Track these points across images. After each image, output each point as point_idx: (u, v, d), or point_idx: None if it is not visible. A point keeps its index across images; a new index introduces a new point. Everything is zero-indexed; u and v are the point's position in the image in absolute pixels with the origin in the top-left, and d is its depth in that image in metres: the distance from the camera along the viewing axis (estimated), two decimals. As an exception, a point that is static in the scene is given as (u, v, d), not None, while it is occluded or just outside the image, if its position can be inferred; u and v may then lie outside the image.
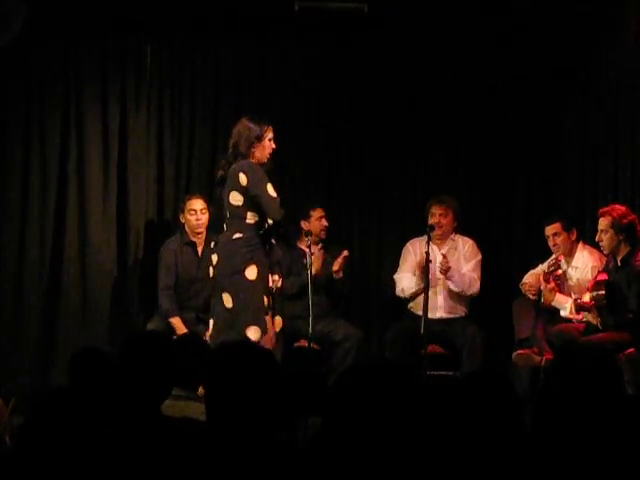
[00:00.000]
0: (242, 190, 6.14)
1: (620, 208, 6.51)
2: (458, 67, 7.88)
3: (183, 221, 7.39)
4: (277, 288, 6.37)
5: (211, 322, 6.28)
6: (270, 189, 6.13)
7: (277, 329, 6.42)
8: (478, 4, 7.43)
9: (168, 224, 7.79)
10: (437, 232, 7.31)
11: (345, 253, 7.34)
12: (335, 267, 7.30)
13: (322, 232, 7.44)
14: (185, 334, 6.89)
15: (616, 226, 6.41)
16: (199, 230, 7.34)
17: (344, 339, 7.20)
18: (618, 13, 7.19)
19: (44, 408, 2.59)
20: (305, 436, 3.97)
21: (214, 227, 7.31)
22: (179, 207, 7.56)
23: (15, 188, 7.62)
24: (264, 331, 6.14)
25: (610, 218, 6.43)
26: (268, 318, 6.26)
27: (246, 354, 3.18)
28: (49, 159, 7.65)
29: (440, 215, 7.38)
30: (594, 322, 6.44)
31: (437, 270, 7.30)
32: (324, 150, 7.92)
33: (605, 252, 6.61)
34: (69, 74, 7.69)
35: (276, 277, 6.31)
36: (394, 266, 7.69)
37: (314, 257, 6.92)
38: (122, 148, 7.75)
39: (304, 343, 6.76)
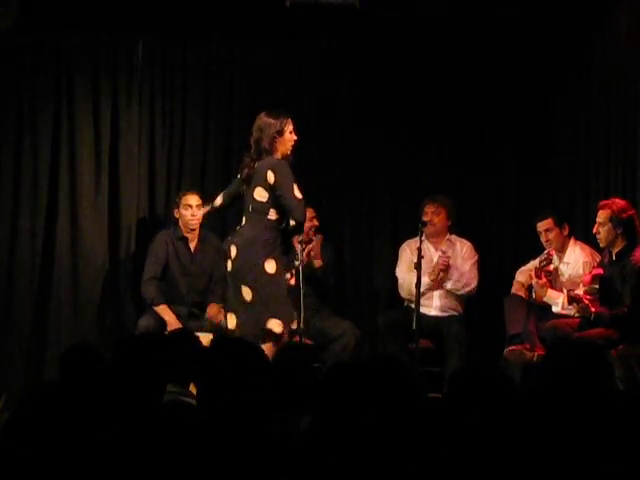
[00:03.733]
0: (268, 187, 6.20)
1: (620, 202, 6.48)
2: (449, 63, 7.88)
3: (177, 216, 7.37)
4: (290, 286, 6.38)
5: (232, 316, 6.30)
6: (296, 190, 6.18)
7: (294, 326, 6.41)
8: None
9: (160, 219, 7.78)
10: (429, 230, 7.30)
11: (318, 237, 7.32)
12: (312, 253, 7.24)
13: (311, 232, 7.43)
14: (177, 330, 6.90)
15: (615, 219, 6.39)
16: (193, 226, 7.33)
17: (341, 335, 7.19)
18: (609, 10, 7.21)
19: (30, 403, 2.59)
20: (298, 431, 3.97)
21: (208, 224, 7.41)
22: (171, 202, 7.57)
23: (6, 183, 7.59)
24: (288, 323, 6.20)
25: (609, 211, 6.41)
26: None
27: (236, 351, 3.18)
28: (40, 154, 7.63)
29: (432, 213, 7.39)
30: (586, 313, 6.41)
31: (435, 269, 7.32)
32: (314, 146, 7.89)
33: (601, 245, 6.58)
34: (61, 69, 7.67)
35: (288, 276, 6.33)
36: (385, 262, 7.70)
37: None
38: (114, 143, 7.74)
39: (296, 338, 6.75)
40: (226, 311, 6.49)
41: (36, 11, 7.34)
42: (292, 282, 6.38)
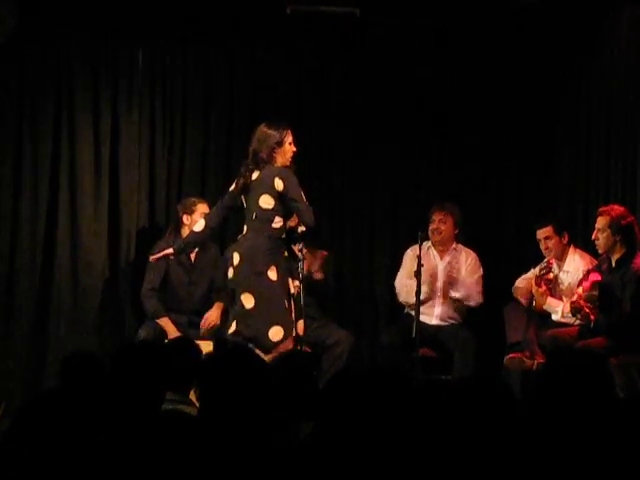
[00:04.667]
0: (275, 194, 6.19)
1: (619, 208, 6.45)
2: (449, 69, 7.89)
3: (187, 222, 7.28)
4: (298, 293, 6.36)
5: (234, 324, 6.31)
6: (303, 196, 6.18)
7: (300, 333, 6.42)
8: (470, 5, 7.44)
9: (159, 227, 7.78)
10: (435, 238, 7.32)
11: (323, 254, 7.34)
12: (313, 267, 7.28)
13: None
14: (177, 338, 6.91)
15: (614, 226, 6.36)
16: None
17: (336, 343, 7.19)
18: (611, 13, 7.21)
19: (32, 410, 2.58)
20: (297, 439, 3.96)
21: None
22: (171, 208, 7.59)
23: (6, 191, 7.59)
24: (288, 331, 6.18)
25: (608, 218, 6.37)
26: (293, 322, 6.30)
27: (237, 359, 3.18)
28: (41, 163, 7.63)
29: (439, 221, 7.39)
30: (586, 322, 6.38)
31: (439, 280, 7.34)
32: (315, 152, 7.91)
33: (600, 251, 6.54)
34: (61, 78, 7.67)
35: (297, 283, 6.32)
36: (386, 272, 7.70)
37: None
38: (114, 151, 7.73)
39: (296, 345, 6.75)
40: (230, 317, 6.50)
41: (37, 18, 7.36)
42: (299, 289, 6.38)
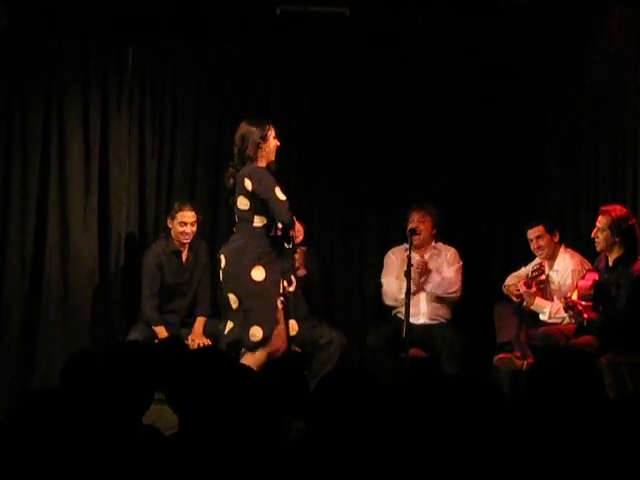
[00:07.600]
0: (248, 195, 6.17)
1: (622, 210, 6.39)
2: (440, 72, 7.89)
3: (170, 226, 7.35)
4: (289, 293, 6.34)
5: (229, 323, 6.31)
6: (278, 192, 6.14)
7: (292, 333, 6.41)
8: (461, 7, 7.44)
9: (150, 229, 7.78)
10: (415, 238, 7.33)
11: (302, 249, 7.34)
12: (296, 264, 7.26)
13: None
14: (168, 338, 6.92)
15: (614, 227, 6.32)
16: (185, 241, 7.32)
17: (328, 343, 7.20)
18: (599, 21, 7.22)
19: (23, 410, 2.58)
20: (288, 439, 3.96)
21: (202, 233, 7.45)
22: (161, 210, 7.61)
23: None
24: (268, 332, 6.14)
25: (609, 218, 6.33)
26: (282, 322, 6.28)
27: (207, 363, 3.19)
28: (30, 164, 7.60)
29: (418, 221, 7.40)
30: (580, 320, 6.38)
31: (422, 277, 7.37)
32: (305, 156, 7.92)
33: (598, 248, 6.47)
34: (51, 76, 7.66)
35: (285, 284, 6.31)
36: (375, 271, 7.70)
37: None
38: (103, 151, 7.72)
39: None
40: (222, 318, 6.50)
41: (26, 18, 7.34)
42: (291, 289, 6.36)
